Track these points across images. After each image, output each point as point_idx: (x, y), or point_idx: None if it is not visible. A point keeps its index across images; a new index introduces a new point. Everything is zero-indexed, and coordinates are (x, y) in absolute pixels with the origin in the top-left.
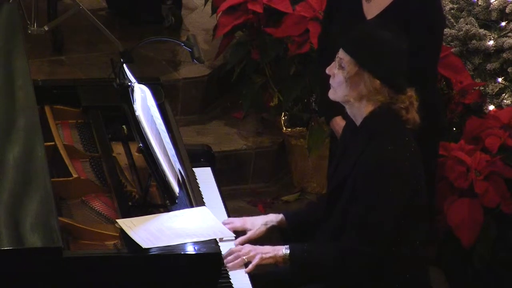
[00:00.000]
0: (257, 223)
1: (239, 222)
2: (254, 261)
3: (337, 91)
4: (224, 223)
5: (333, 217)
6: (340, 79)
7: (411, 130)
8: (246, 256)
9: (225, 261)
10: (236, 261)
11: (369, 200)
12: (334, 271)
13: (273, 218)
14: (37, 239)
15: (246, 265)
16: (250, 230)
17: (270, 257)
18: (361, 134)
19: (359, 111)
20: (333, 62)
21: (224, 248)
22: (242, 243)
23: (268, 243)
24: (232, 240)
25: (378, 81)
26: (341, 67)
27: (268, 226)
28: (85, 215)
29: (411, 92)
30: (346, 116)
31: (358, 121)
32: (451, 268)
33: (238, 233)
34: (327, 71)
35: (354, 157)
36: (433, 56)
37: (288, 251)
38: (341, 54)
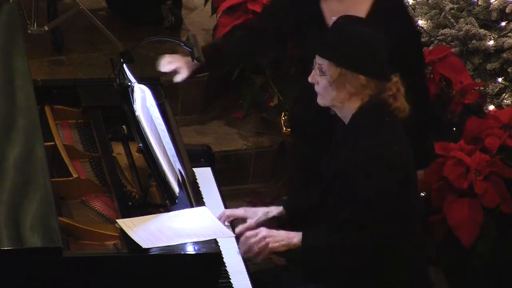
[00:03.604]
0: (258, 213)
1: (240, 211)
2: (265, 251)
3: (325, 96)
4: (225, 212)
5: (327, 211)
6: (325, 84)
7: (403, 119)
8: (258, 247)
9: (239, 245)
10: (246, 249)
11: (359, 196)
12: (338, 265)
13: (273, 209)
14: (37, 239)
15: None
16: (251, 218)
17: (283, 245)
18: (350, 130)
19: (348, 110)
20: (313, 70)
21: (224, 247)
22: (241, 233)
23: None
24: (232, 239)
25: (362, 76)
26: (322, 73)
27: (269, 216)
28: (85, 215)
29: (396, 78)
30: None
31: (347, 119)
32: (451, 268)
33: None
34: (310, 79)
35: (344, 153)
36: (423, 60)
37: (301, 241)
38: (319, 60)
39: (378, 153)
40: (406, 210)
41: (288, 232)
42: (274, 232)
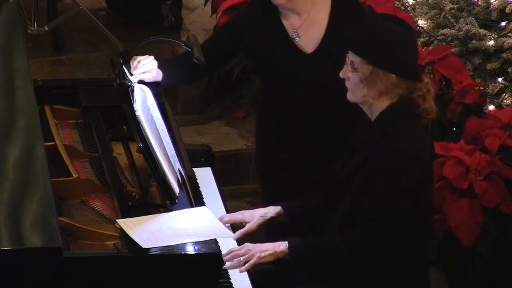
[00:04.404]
0: (256, 215)
1: (238, 215)
2: (251, 261)
3: (355, 92)
4: (224, 218)
5: (340, 210)
6: (356, 81)
7: (429, 121)
8: (244, 257)
9: (226, 264)
10: (233, 263)
11: (378, 195)
12: (336, 263)
13: (271, 210)
14: (37, 239)
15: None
16: (249, 222)
17: (270, 255)
18: (375, 128)
19: (377, 108)
20: (345, 66)
21: (224, 247)
22: (241, 236)
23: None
24: (231, 239)
25: (393, 76)
26: (354, 69)
27: (267, 218)
28: (85, 215)
29: (427, 79)
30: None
31: (373, 116)
32: (451, 268)
33: (237, 227)
34: (341, 75)
35: (365, 151)
36: None
37: (287, 246)
38: (352, 56)
39: (400, 153)
40: (418, 211)
41: (273, 243)
42: (258, 244)
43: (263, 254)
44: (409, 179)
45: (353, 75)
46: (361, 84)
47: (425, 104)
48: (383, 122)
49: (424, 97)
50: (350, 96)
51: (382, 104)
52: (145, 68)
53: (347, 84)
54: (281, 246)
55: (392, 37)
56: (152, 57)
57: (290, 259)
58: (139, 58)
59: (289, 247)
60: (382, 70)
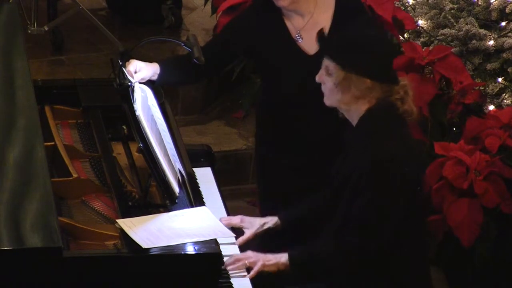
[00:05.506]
0: (255, 223)
1: (236, 219)
2: (256, 268)
3: (330, 97)
4: (222, 221)
5: (335, 216)
6: (331, 86)
7: (411, 122)
8: (248, 261)
9: (228, 268)
10: (238, 264)
11: (369, 198)
12: (335, 269)
13: (269, 220)
14: (37, 239)
15: (248, 271)
16: (248, 229)
17: (273, 265)
18: (358, 133)
19: (356, 112)
20: (321, 70)
21: (225, 247)
22: (243, 243)
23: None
24: (232, 240)
25: (368, 80)
26: (329, 74)
27: (265, 227)
28: (85, 215)
29: (404, 82)
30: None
31: (354, 121)
32: (451, 268)
33: (236, 231)
34: (317, 79)
35: (354, 156)
36: None
37: (288, 258)
38: (326, 61)
39: (388, 156)
40: (411, 211)
41: (275, 254)
42: (260, 254)
43: (267, 263)
44: (400, 180)
45: (328, 80)
46: (335, 89)
47: (404, 106)
48: (365, 127)
49: (402, 100)
50: (326, 101)
51: (360, 108)
52: (139, 71)
53: (323, 88)
54: (283, 258)
55: (364, 41)
56: (133, 60)
57: (291, 271)
58: (128, 69)
59: (290, 259)
60: (355, 75)
